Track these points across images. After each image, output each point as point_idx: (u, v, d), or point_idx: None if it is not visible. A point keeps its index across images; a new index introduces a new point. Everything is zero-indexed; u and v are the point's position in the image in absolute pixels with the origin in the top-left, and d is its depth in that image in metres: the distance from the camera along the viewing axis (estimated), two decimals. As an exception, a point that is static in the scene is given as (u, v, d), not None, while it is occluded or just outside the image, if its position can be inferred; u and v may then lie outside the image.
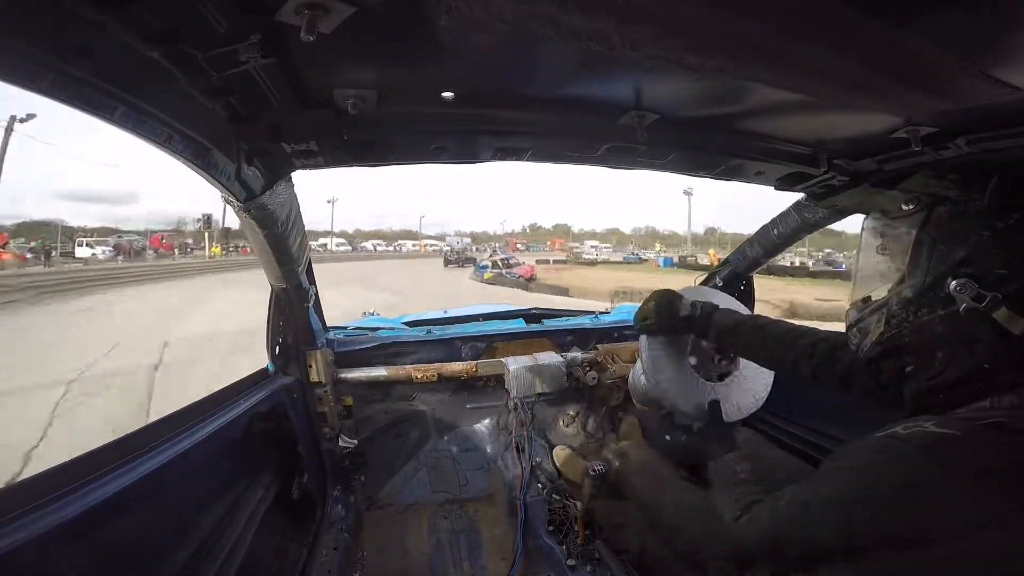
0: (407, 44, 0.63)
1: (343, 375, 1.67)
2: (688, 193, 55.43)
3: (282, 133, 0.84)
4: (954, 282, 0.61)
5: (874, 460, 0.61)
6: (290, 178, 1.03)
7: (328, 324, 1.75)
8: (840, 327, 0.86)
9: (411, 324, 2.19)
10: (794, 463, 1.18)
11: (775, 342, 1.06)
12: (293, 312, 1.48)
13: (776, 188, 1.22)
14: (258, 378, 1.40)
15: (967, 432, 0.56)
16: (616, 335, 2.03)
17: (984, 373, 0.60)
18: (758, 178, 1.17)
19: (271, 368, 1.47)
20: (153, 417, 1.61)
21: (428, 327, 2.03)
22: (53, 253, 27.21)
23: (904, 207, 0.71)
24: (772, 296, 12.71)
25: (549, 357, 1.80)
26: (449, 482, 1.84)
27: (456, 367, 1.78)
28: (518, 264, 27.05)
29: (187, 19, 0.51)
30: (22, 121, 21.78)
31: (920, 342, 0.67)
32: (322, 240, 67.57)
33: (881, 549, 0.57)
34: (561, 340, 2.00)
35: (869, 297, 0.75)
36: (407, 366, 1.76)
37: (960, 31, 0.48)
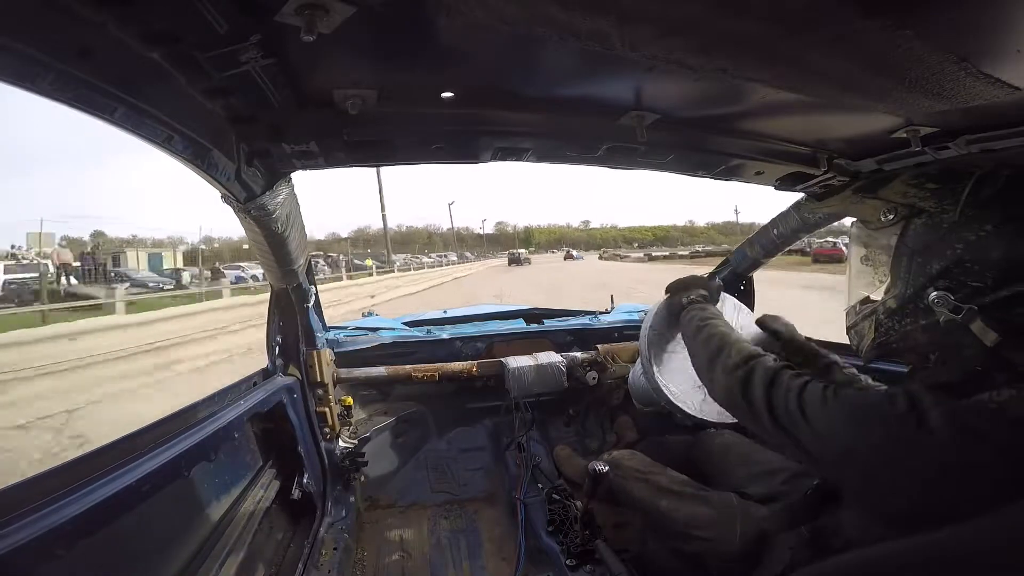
0: (407, 44, 0.63)
1: (343, 375, 1.67)
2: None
3: (282, 133, 0.84)
4: (933, 294, 0.62)
5: (904, 432, 0.59)
6: (290, 178, 1.03)
7: (328, 324, 1.75)
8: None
9: (411, 324, 2.19)
10: (779, 459, 1.17)
11: (706, 349, 0.91)
12: (293, 312, 1.48)
13: (776, 188, 1.22)
14: (258, 378, 1.40)
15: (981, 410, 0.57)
16: (616, 335, 2.03)
17: (978, 375, 0.61)
18: (758, 178, 1.17)
19: (271, 368, 1.47)
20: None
21: (428, 327, 2.03)
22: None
23: (883, 218, 0.71)
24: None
25: (549, 357, 1.79)
26: (449, 482, 1.84)
27: (456, 367, 1.78)
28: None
29: (187, 20, 0.51)
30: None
31: (909, 348, 0.69)
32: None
33: (915, 517, 0.57)
34: (561, 340, 2.00)
35: (868, 298, 0.75)
36: (407, 366, 1.76)
37: (960, 31, 0.48)
